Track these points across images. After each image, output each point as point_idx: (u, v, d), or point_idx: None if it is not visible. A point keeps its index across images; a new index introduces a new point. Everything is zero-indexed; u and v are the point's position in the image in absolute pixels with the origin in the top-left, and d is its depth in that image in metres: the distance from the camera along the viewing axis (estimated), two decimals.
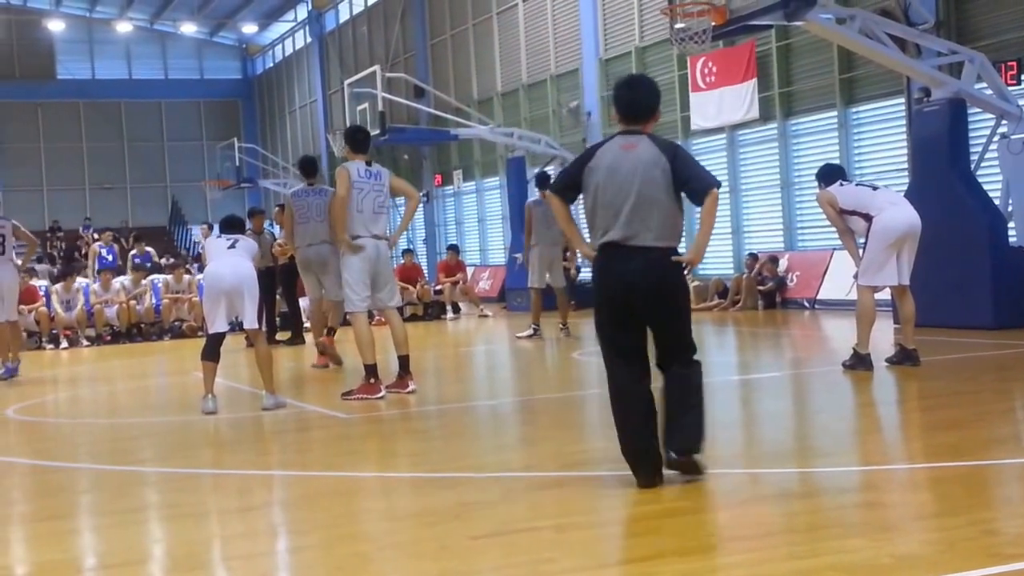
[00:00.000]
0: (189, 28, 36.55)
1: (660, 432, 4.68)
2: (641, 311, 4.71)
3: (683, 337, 4.82)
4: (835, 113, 15.14)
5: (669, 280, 4.78)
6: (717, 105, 16.88)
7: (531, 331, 12.43)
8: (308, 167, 10.30)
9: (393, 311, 8.29)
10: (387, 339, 8.43)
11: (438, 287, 18.17)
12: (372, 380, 7.95)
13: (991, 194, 11.47)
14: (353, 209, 7.90)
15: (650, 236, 4.68)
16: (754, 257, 15.84)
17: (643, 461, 4.65)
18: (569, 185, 4.90)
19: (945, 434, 5.74)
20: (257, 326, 7.79)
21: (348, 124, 20.68)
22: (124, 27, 35.67)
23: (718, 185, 4.76)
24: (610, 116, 5.03)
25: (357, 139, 8.26)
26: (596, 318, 4.84)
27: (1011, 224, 11.52)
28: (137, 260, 17.87)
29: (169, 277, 16.91)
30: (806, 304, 14.88)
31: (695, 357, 4.82)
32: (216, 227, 9.41)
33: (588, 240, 4.87)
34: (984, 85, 11.68)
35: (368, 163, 8.11)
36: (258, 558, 4.13)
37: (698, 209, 4.82)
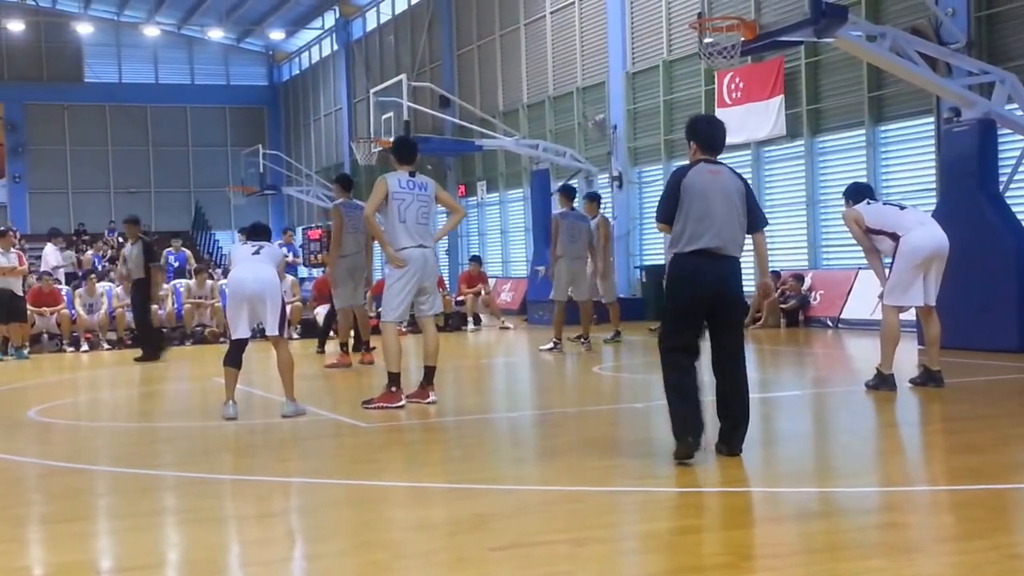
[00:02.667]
0: (216, 34, 36.90)
1: (719, 425, 5.66)
2: (720, 311, 5.62)
3: (743, 340, 5.82)
4: (863, 131, 15.10)
5: (741, 288, 5.80)
6: (743, 121, 16.87)
7: (552, 344, 12.46)
8: (346, 183, 11.68)
9: (430, 320, 8.32)
10: (408, 348, 8.46)
11: (459, 298, 18.22)
12: (394, 389, 8.00)
13: (1020, 216, 11.40)
14: (395, 220, 7.97)
15: (735, 248, 5.67)
16: (777, 275, 15.80)
17: (689, 425, 5.47)
18: (671, 214, 5.71)
19: (968, 457, 5.72)
20: (279, 333, 7.81)
21: (372, 133, 20.85)
22: (152, 31, 36.07)
23: (766, 225, 5.92)
24: (688, 148, 5.53)
25: (403, 149, 8.31)
26: (671, 311, 5.68)
27: None
28: (174, 262, 18.16)
29: (191, 282, 17.05)
30: (829, 323, 14.82)
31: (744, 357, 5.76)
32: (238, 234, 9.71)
33: (672, 248, 5.71)
34: (1015, 106, 11.64)
35: (412, 173, 8.18)
36: (275, 564, 4.16)
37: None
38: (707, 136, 5.87)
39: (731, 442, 5.66)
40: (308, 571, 4.16)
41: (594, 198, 13.78)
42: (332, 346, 12.88)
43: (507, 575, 3.85)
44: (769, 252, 16.31)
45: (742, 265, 5.77)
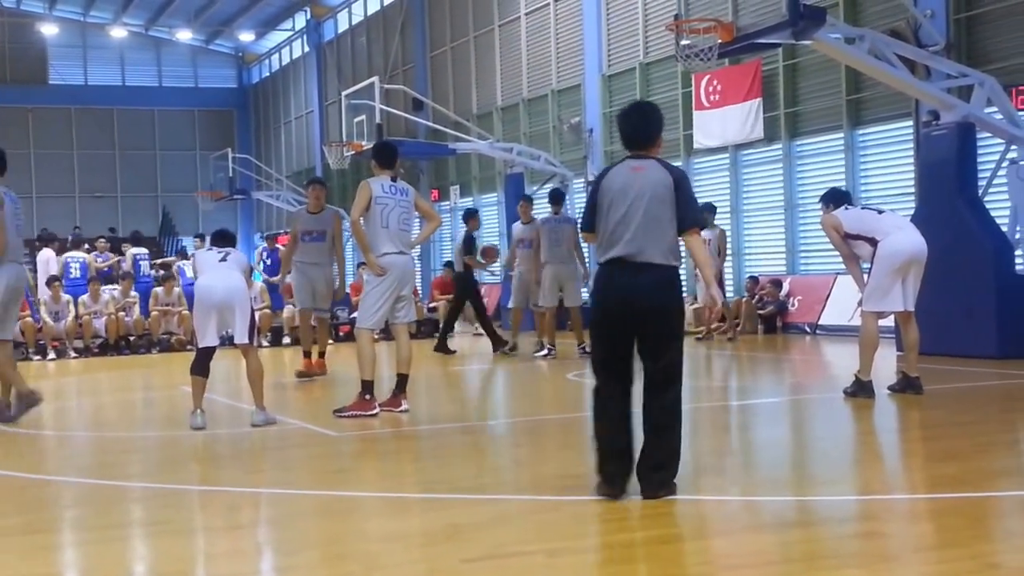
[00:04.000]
0: (185, 35, 36.69)
1: (639, 458, 4.99)
2: (640, 328, 4.95)
3: (676, 364, 5.05)
4: (841, 135, 15.23)
5: (672, 299, 5.07)
6: (721, 124, 17.00)
7: (545, 350, 12.54)
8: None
9: (404, 328, 8.35)
10: (381, 356, 8.44)
11: (432, 304, 18.20)
12: (367, 397, 8.01)
13: (998, 221, 11.53)
14: (378, 225, 8.01)
15: (657, 254, 4.97)
16: (755, 280, 15.90)
17: (611, 479, 4.92)
18: (593, 220, 5.17)
19: (946, 464, 5.77)
20: (248, 341, 7.79)
21: (344, 136, 20.81)
22: (118, 32, 35.82)
23: (702, 227, 5.25)
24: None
25: (385, 154, 8.35)
26: (593, 329, 5.13)
27: (1018, 252, 11.58)
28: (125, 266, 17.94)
29: (159, 289, 16.94)
30: (807, 329, 14.93)
31: (679, 387, 5.07)
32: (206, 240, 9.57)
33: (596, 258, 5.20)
34: (994, 109, 11.78)
35: (393, 178, 8.23)
36: None
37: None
38: (626, 132, 5.24)
39: (646, 482, 4.93)
40: None
41: (558, 199, 13.61)
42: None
43: None
44: (747, 257, 16.27)
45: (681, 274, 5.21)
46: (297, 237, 10.80)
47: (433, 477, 5.96)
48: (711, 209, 14.56)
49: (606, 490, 4.92)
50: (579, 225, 5.53)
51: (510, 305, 13.01)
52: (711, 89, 17.16)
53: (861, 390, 8.04)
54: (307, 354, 11.04)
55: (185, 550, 4.56)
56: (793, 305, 15.46)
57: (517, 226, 13.37)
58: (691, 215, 5.12)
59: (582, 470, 6.03)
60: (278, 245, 23.49)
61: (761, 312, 15.38)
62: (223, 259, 7.93)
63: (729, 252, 16.84)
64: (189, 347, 14.62)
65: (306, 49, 34.19)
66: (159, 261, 20.02)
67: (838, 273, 14.33)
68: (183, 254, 20.96)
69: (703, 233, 13.79)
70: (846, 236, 8.17)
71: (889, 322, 8.59)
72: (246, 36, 36.44)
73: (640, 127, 5.21)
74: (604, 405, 5.02)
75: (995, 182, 12.10)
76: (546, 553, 4.18)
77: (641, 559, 4.19)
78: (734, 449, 6.79)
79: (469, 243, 14.03)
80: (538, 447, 6.89)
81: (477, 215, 14.80)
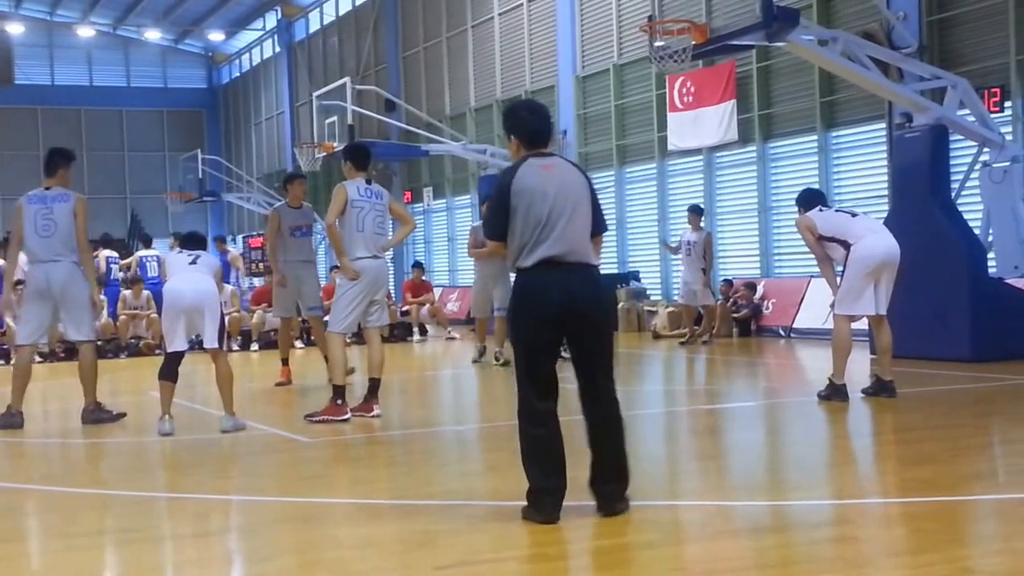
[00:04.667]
0: (153, 35, 36.47)
1: (592, 473, 4.75)
2: (578, 330, 4.71)
3: (611, 367, 4.81)
4: (815, 137, 15.36)
5: (606, 298, 5.02)
6: (695, 126, 17.08)
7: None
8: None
9: (376, 332, 8.33)
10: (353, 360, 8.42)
11: (404, 308, 18.17)
12: (339, 402, 7.98)
13: (971, 223, 11.66)
14: (353, 229, 7.97)
15: (583, 253, 4.76)
16: (729, 283, 15.98)
17: (553, 499, 4.65)
18: (504, 225, 4.75)
19: (920, 468, 5.82)
20: (217, 345, 7.75)
21: (315, 137, 20.73)
22: (86, 32, 35.53)
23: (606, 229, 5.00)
24: (509, 144, 5.00)
25: (359, 156, 8.30)
26: (521, 341, 4.73)
27: (991, 255, 11.71)
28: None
29: (127, 292, 16.79)
30: (781, 332, 15.02)
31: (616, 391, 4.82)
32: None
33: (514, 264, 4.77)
34: (967, 111, 11.90)
35: (368, 181, 8.20)
36: None
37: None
38: (531, 128, 4.87)
39: (607, 498, 4.71)
40: None
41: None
42: None
43: None
44: (721, 260, 16.28)
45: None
46: (284, 234, 10.37)
47: (406, 483, 5.94)
48: (698, 211, 14.53)
49: (547, 516, 4.60)
50: (484, 233, 4.95)
51: (472, 313, 12.91)
52: (685, 91, 17.25)
53: (835, 394, 8.09)
54: (285, 361, 10.90)
55: (153, 558, 4.52)
56: (767, 308, 15.54)
57: (478, 228, 13.34)
58: (602, 218, 4.94)
59: None
60: (230, 248, 23.28)
61: (736, 315, 15.45)
62: (193, 262, 7.88)
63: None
64: (158, 351, 14.50)
65: (277, 49, 34.04)
66: (124, 262, 19.80)
67: (812, 276, 14.43)
68: (146, 241, 20.33)
69: (691, 236, 13.94)
70: (820, 238, 8.22)
71: (863, 325, 8.64)
72: (216, 36, 36.25)
73: (546, 122, 4.91)
74: (545, 423, 4.67)
75: (968, 184, 12.24)
76: (520, 560, 4.18)
77: (615, 565, 4.19)
78: (709, 454, 6.81)
79: None
80: (511, 452, 6.85)
81: None
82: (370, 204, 8.05)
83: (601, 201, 4.99)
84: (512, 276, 4.87)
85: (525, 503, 4.71)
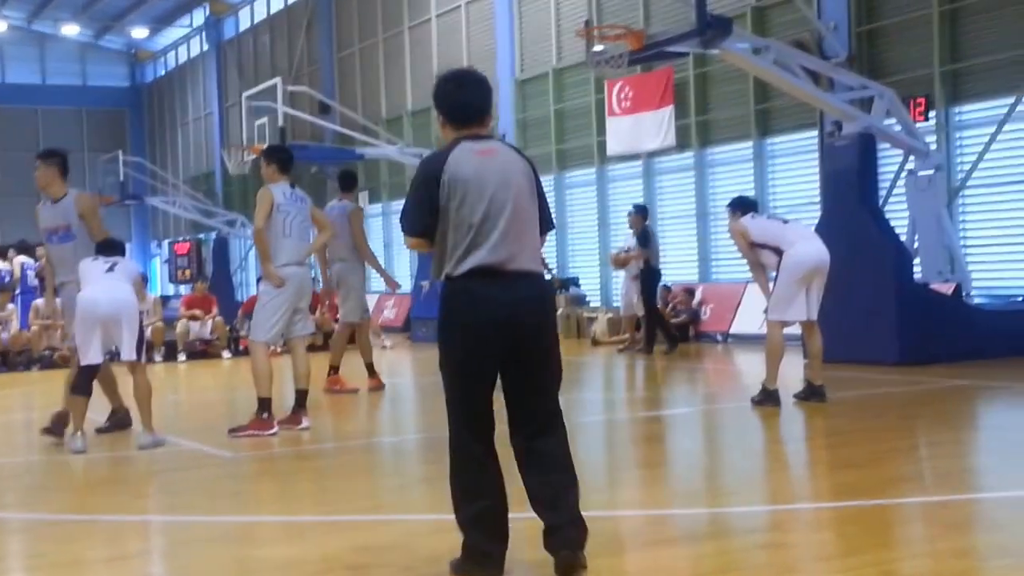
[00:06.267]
0: (72, 30, 35.77)
1: (543, 524, 4.13)
2: (518, 358, 4.03)
3: (556, 391, 4.16)
4: (750, 143, 15.75)
5: (553, 315, 4.30)
6: (633, 131, 17.38)
7: None
8: (349, 181, 10.76)
9: (301, 341, 8.29)
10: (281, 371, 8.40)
11: (337, 316, 18.14)
12: (265, 415, 7.88)
13: (898, 229, 12.09)
14: (280, 234, 7.92)
15: (527, 258, 4.08)
16: (667, 289, 16.28)
17: (492, 564, 4.05)
18: (429, 222, 4.06)
19: (849, 472, 6.08)
20: (135, 357, 7.52)
21: (245, 140, 20.62)
22: None
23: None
24: (439, 125, 4.23)
25: (283, 159, 8.24)
26: (450, 367, 4.07)
27: (916, 260, 12.16)
28: (5, 279, 17.36)
29: (39, 301, 16.44)
30: (719, 338, 15.36)
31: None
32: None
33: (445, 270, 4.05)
34: (893, 121, 12.35)
35: (292, 185, 8.18)
36: None
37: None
38: (457, 102, 4.14)
39: (565, 542, 4.05)
40: None
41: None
42: None
43: None
44: (661, 264, 16.26)
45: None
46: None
47: (334, 498, 5.87)
48: (642, 211, 14.24)
49: (492, 572, 4.04)
50: (404, 228, 4.17)
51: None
52: (623, 96, 17.54)
53: (768, 399, 8.39)
54: (336, 369, 10.50)
55: None
56: (705, 314, 15.87)
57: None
58: (549, 215, 4.28)
59: None
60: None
61: (674, 320, 15.76)
62: (110, 269, 7.56)
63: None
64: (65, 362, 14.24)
65: (205, 47, 33.67)
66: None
67: (749, 281, 14.74)
68: (21, 247, 18.98)
69: (632, 242, 13.93)
70: (753, 245, 8.52)
71: (797, 330, 8.97)
72: (139, 32, 35.69)
73: (480, 94, 4.15)
74: (483, 466, 4.04)
75: (895, 192, 12.69)
76: (449, 574, 4.24)
77: None
78: (646, 462, 7.01)
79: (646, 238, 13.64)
80: (443, 464, 6.93)
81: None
82: (296, 209, 8.01)
83: None
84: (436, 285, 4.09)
85: (459, 556, 4.11)
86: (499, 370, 4.08)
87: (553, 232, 4.42)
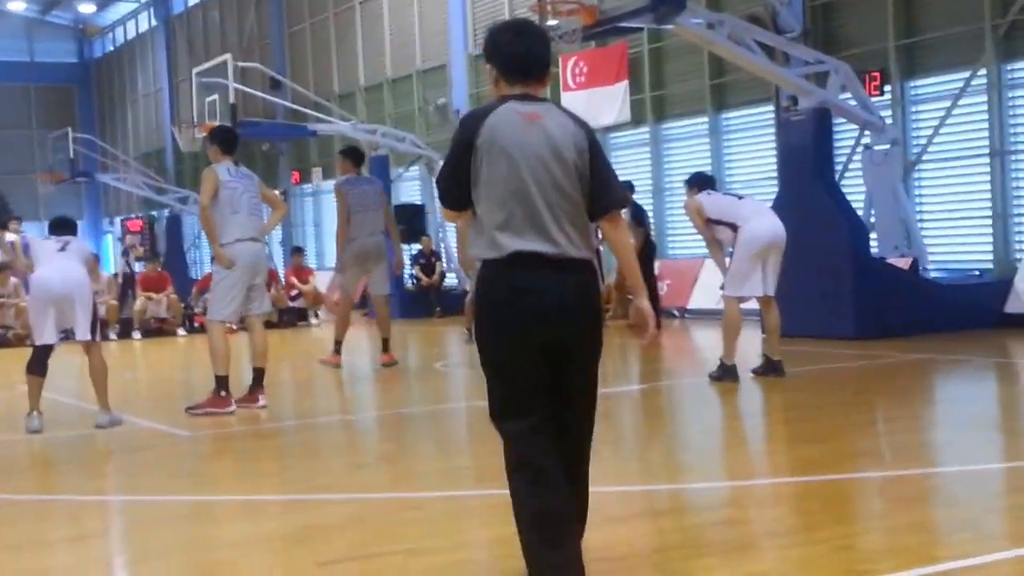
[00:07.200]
0: (17, 5, 35.00)
1: None
2: (559, 353, 3.47)
3: (593, 408, 3.63)
4: (706, 118, 15.66)
5: (600, 310, 3.65)
6: (588, 106, 17.20)
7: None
8: (354, 156, 10.81)
9: (258, 319, 8.26)
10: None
11: (293, 292, 17.96)
12: (222, 393, 7.88)
13: (854, 204, 12.07)
14: (228, 211, 7.88)
15: (576, 246, 3.48)
16: None
17: (574, 546, 3.47)
18: (461, 193, 3.50)
19: (807, 447, 6.03)
20: (91, 337, 7.51)
21: (196, 117, 20.20)
22: None
23: (624, 207, 3.65)
24: (490, 78, 3.56)
25: (226, 139, 8.25)
26: (496, 375, 3.52)
27: (873, 235, 12.16)
28: None
29: None
30: (676, 313, 15.32)
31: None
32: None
33: (475, 251, 3.51)
34: (848, 95, 12.30)
35: (236, 163, 8.15)
36: None
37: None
38: (512, 53, 3.55)
39: None
40: None
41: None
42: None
43: None
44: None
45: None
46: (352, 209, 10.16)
47: (292, 477, 5.88)
48: (630, 188, 13.75)
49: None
50: (440, 197, 3.61)
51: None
52: (578, 71, 17.38)
53: (726, 374, 8.32)
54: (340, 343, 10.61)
55: (22, 566, 4.37)
56: (663, 289, 15.81)
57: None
58: (612, 192, 3.55)
59: (449, 464, 6.06)
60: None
61: (631, 297, 15.68)
62: (62, 248, 7.60)
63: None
64: (28, 343, 13.97)
65: (153, 23, 33.05)
66: None
67: (706, 257, 14.72)
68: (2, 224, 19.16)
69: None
70: (708, 221, 8.43)
71: (754, 305, 8.90)
72: (86, 7, 34.99)
73: (542, 46, 3.58)
74: (538, 475, 3.40)
75: (851, 166, 12.66)
76: (407, 553, 4.18)
77: (509, 556, 4.21)
78: (604, 438, 6.88)
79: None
80: (405, 441, 6.86)
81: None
82: (243, 186, 8.00)
83: None
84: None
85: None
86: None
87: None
